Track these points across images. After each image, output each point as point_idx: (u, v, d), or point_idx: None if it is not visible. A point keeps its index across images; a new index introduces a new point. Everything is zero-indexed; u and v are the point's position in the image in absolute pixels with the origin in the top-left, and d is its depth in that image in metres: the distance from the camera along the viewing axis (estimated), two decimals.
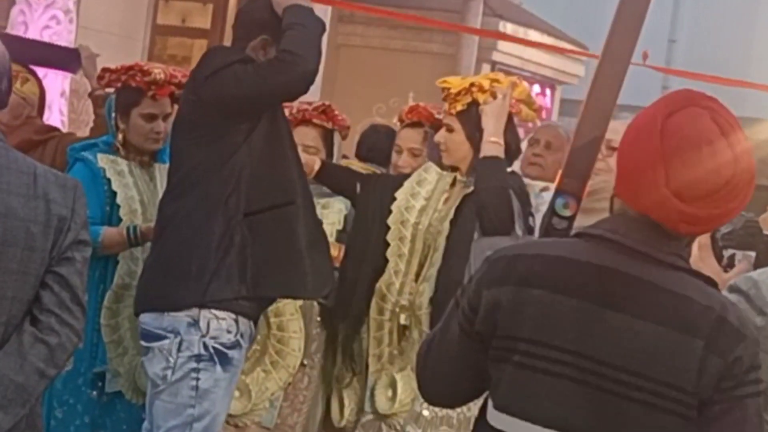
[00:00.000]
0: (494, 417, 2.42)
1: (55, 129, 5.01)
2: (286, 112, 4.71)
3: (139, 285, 4.30)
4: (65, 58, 5.17)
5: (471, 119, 4.39)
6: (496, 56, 16.43)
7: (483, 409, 2.49)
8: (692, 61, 18.32)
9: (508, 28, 16.44)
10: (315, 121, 4.74)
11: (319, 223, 4.28)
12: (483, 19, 16.04)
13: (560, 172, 2.90)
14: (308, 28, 4.02)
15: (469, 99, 4.41)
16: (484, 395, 2.50)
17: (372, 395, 4.43)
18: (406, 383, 4.36)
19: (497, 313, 2.40)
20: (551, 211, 2.85)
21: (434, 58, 16.21)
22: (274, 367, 4.57)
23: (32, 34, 8.83)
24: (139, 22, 14.31)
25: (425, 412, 4.34)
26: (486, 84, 4.40)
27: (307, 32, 4.01)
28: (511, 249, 2.50)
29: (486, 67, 16.40)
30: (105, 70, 4.80)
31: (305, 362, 4.60)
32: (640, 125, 2.39)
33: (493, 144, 4.32)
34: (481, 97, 4.39)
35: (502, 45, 16.30)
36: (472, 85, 4.41)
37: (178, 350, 4.07)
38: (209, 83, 4.04)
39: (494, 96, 4.38)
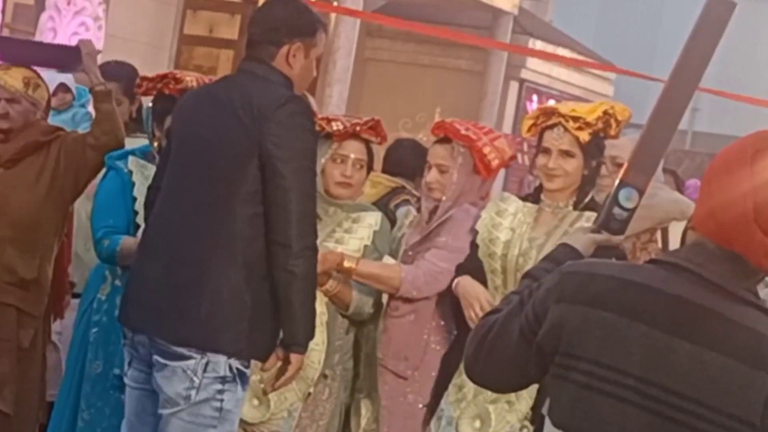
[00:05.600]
0: None
1: (60, 129, 5.01)
2: (339, 125, 4.68)
3: (174, 309, 3.98)
4: (67, 58, 5.16)
5: (594, 148, 4.37)
6: (525, 74, 16.42)
7: (540, 426, 2.49)
8: (721, 79, 18.27)
9: (538, 45, 16.43)
10: (363, 135, 4.72)
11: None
12: (513, 36, 16.04)
13: (626, 163, 2.88)
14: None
15: (598, 127, 4.34)
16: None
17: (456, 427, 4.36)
18: (501, 416, 4.30)
19: (562, 331, 2.40)
20: (614, 201, 2.84)
21: (462, 74, 16.20)
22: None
23: (61, 40, 8.86)
24: (166, 32, 14.35)
25: None
26: (612, 112, 4.37)
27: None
28: (587, 266, 2.48)
29: (514, 85, 16.40)
30: (143, 78, 4.99)
31: (327, 373, 4.58)
32: (729, 159, 2.37)
33: None
34: (614, 126, 4.36)
35: (531, 63, 16.29)
36: (605, 112, 4.35)
37: (204, 371, 3.93)
38: (280, 137, 3.90)
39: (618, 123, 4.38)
